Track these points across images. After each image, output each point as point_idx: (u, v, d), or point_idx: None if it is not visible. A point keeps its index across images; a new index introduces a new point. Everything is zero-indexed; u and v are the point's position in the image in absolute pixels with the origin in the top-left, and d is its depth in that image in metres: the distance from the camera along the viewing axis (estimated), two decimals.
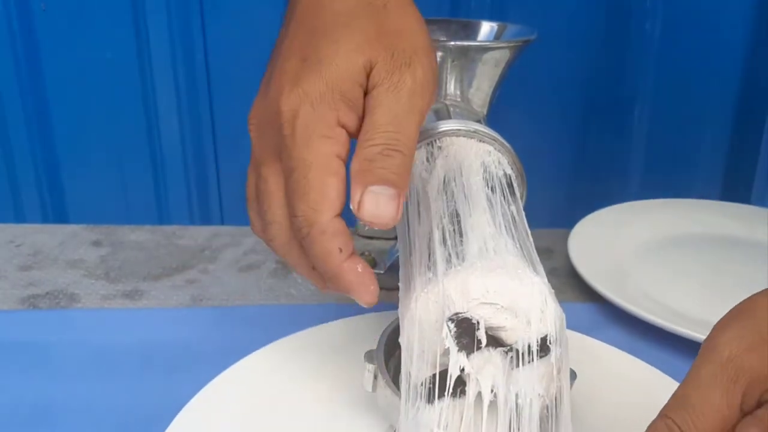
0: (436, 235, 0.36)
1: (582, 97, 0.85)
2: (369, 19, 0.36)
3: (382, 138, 0.34)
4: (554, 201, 0.84)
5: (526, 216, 0.43)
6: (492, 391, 0.32)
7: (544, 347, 0.33)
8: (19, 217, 0.84)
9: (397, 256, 0.57)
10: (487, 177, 0.41)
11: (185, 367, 0.47)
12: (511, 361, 0.33)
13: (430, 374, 0.33)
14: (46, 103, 0.81)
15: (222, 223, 0.87)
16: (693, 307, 0.55)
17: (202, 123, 0.83)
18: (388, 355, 0.40)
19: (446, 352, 0.33)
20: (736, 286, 0.59)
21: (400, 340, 0.36)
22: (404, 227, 0.41)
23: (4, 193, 0.83)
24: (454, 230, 0.37)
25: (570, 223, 0.65)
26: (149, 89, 0.81)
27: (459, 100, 0.51)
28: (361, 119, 0.35)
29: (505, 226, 0.37)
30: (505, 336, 0.33)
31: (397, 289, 0.58)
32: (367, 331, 0.45)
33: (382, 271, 0.58)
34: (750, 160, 0.90)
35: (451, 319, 0.32)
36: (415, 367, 0.34)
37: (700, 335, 0.49)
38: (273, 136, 0.35)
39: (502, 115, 0.56)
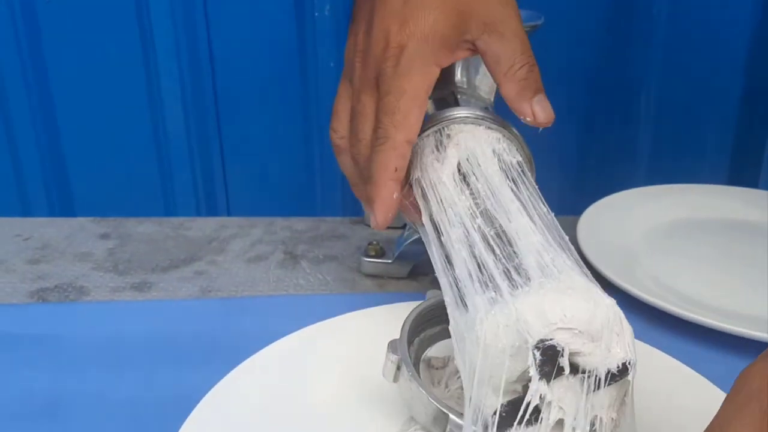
0: (478, 240, 0.36)
1: (588, 83, 0.85)
2: None
3: (523, 59, 0.41)
4: (561, 188, 0.83)
5: None
6: (573, 418, 0.31)
7: (623, 371, 0.32)
8: (26, 211, 0.84)
9: (405, 245, 0.57)
10: (504, 167, 0.40)
11: (195, 358, 0.47)
12: (588, 387, 0.32)
13: (500, 401, 0.32)
14: (51, 97, 0.81)
15: (228, 214, 0.87)
16: (703, 292, 0.55)
17: (207, 114, 0.83)
18: (408, 344, 0.39)
19: (519, 378, 0.32)
20: (746, 270, 0.60)
21: (456, 361, 0.35)
22: (429, 223, 0.40)
23: (10, 187, 0.83)
24: (497, 236, 0.36)
25: (577, 210, 0.65)
26: (153, 81, 0.81)
27: (466, 87, 0.51)
28: (457, 56, 0.42)
29: (547, 230, 0.36)
30: (583, 361, 0.31)
31: (407, 278, 0.58)
32: (383, 322, 0.45)
33: (390, 261, 0.58)
34: (757, 144, 0.89)
35: (536, 347, 0.31)
36: (477, 392, 0.32)
37: (710, 320, 0.49)
38: (375, 67, 0.41)
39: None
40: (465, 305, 0.34)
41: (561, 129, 0.85)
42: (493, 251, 0.35)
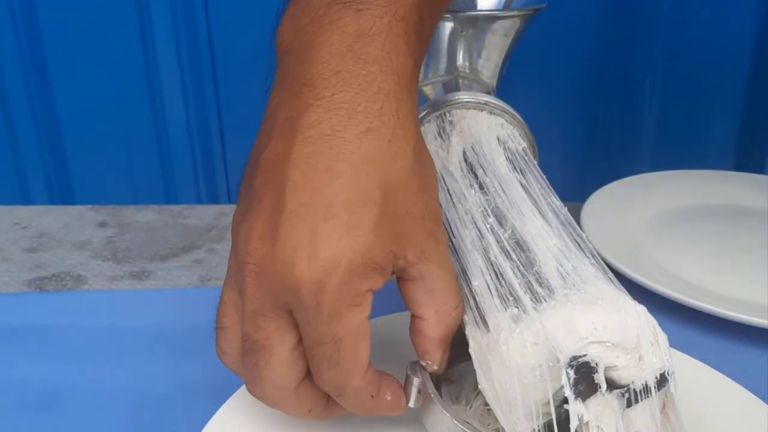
0: (492, 243, 0.34)
1: (592, 68, 0.84)
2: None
3: (456, 300, 0.34)
4: (565, 174, 0.83)
5: None
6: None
7: (662, 383, 0.31)
8: (25, 199, 0.84)
9: None
10: (510, 157, 0.39)
11: (194, 347, 0.46)
12: (627, 402, 0.30)
13: (530, 426, 0.30)
14: (50, 84, 0.81)
15: (229, 201, 0.87)
16: (708, 278, 0.54)
17: (207, 101, 0.83)
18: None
19: (551, 400, 0.30)
20: (751, 257, 0.59)
21: (480, 386, 0.32)
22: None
23: (9, 175, 0.83)
24: (512, 239, 0.34)
25: (581, 196, 0.65)
26: (152, 68, 0.81)
27: (468, 71, 0.50)
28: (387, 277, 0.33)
29: (564, 231, 0.35)
30: (617, 375, 0.30)
31: None
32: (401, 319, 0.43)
33: None
34: (763, 129, 0.89)
35: (570, 365, 0.29)
36: (508, 418, 0.31)
37: (715, 308, 0.49)
38: (282, 294, 0.30)
39: (511, 88, 0.55)
40: (486, 324, 0.32)
41: (565, 115, 0.85)
42: (510, 258, 0.33)
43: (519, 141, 0.42)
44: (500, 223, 0.35)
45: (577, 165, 0.87)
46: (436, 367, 0.34)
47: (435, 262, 0.32)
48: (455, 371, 0.39)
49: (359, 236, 0.30)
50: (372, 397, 0.33)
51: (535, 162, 0.41)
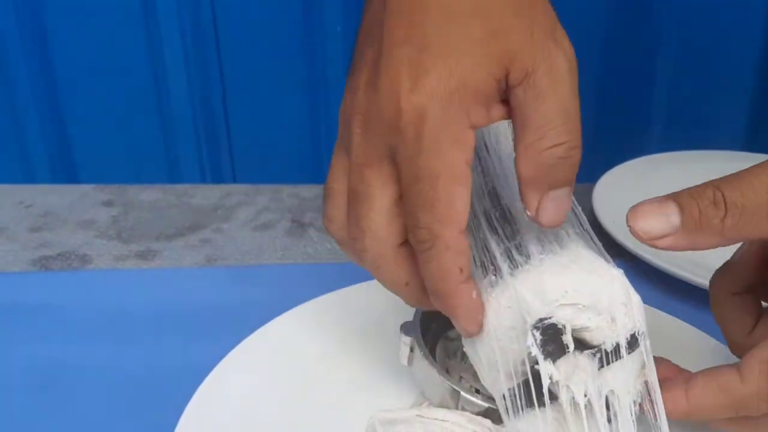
0: (483, 222, 0.34)
1: (602, 48, 0.85)
2: None
3: (557, 137, 0.30)
4: None
5: None
6: (585, 396, 0.31)
7: (633, 343, 0.31)
8: (29, 178, 0.84)
9: None
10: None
11: (201, 327, 0.48)
12: (600, 362, 0.31)
13: (509, 385, 0.32)
14: (52, 63, 0.81)
15: (234, 181, 0.87)
16: (717, 259, 0.54)
17: (211, 78, 0.83)
18: (425, 327, 0.39)
19: (525, 361, 0.31)
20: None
21: (464, 348, 0.34)
22: None
23: (12, 154, 0.83)
24: (501, 216, 0.35)
25: (591, 177, 0.64)
26: (156, 46, 0.81)
27: None
28: (493, 116, 0.31)
29: None
30: (590, 336, 0.31)
31: None
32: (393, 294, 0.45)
33: None
34: None
35: (536, 327, 0.31)
36: (489, 377, 0.32)
37: None
38: (385, 137, 0.31)
39: None
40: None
41: None
42: (497, 232, 0.34)
43: None
44: (494, 203, 0.36)
45: (587, 146, 0.86)
46: (530, 213, 0.32)
47: (535, 87, 0.30)
48: (453, 329, 0.41)
49: (456, 62, 0.29)
50: (461, 271, 0.31)
51: None
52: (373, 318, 0.45)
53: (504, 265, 0.32)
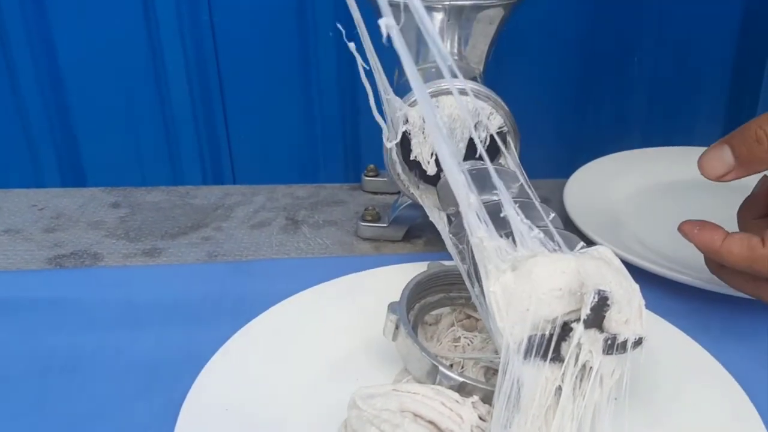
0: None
1: (582, 44, 0.83)
2: None
3: None
4: (556, 151, 0.83)
5: (527, 167, 0.44)
6: (590, 368, 0.33)
7: (636, 346, 0.33)
8: (39, 182, 0.84)
9: (400, 210, 0.59)
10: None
11: (204, 318, 0.49)
12: (608, 349, 0.33)
13: (526, 334, 0.33)
14: (59, 71, 0.80)
15: (234, 182, 0.88)
16: (688, 252, 0.54)
17: (211, 86, 0.83)
18: (409, 308, 0.42)
19: (557, 318, 0.33)
20: (733, 231, 0.60)
21: (489, 289, 0.33)
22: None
23: (23, 160, 0.84)
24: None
25: (572, 173, 0.66)
26: (158, 54, 0.80)
27: (456, 58, 0.53)
28: None
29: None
30: (607, 325, 0.33)
31: (401, 241, 0.60)
32: (381, 282, 0.47)
33: (385, 225, 0.60)
34: (750, 105, 0.88)
35: (599, 292, 0.32)
36: (509, 320, 0.33)
37: (696, 281, 0.49)
38: None
39: (501, 65, 0.56)
40: (512, 238, 0.34)
41: (554, 92, 0.85)
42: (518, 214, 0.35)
43: (498, 122, 0.45)
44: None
45: (567, 141, 0.86)
46: None
47: None
48: (432, 316, 0.45)
49: None
50: None
51: (510, 143, 0.44)
52: (362, 304, 0.46)
53: (548, 244, 0.34)
